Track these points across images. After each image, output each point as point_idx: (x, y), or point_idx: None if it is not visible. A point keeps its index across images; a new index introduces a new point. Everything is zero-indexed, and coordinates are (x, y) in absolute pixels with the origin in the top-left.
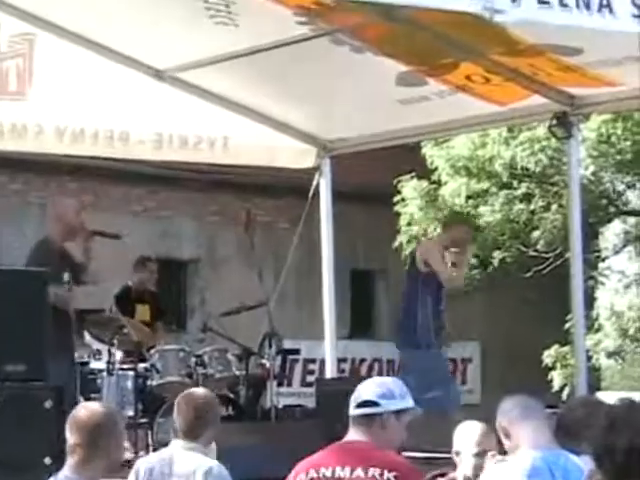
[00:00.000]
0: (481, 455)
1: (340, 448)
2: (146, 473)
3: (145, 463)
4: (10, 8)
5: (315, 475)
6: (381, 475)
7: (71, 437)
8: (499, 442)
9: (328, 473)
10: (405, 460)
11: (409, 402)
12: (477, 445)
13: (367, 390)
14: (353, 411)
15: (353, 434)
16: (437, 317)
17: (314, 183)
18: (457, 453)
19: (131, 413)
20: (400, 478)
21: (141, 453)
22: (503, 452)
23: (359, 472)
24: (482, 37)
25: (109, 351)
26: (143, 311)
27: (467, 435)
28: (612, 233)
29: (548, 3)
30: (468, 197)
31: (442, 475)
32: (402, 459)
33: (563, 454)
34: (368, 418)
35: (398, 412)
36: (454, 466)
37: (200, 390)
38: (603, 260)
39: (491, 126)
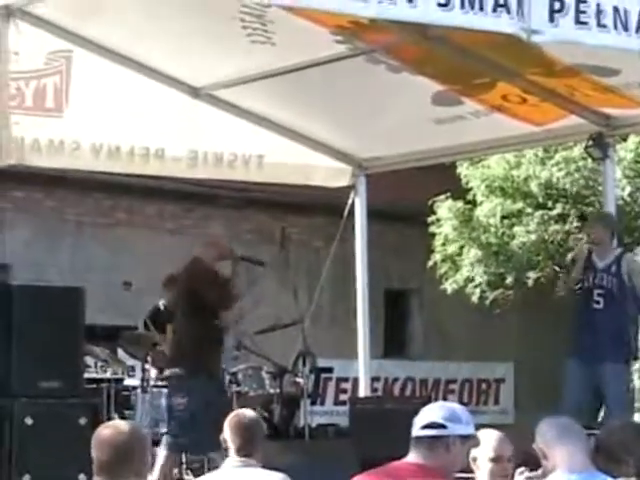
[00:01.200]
0: (497, 460)
1: (395, 467)
2: None
3: None
4: (48, 25)
5: None
6: None
7: (99, 455)
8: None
9: None
10: None
11: (472, 429)
12: (494, 451)
13: (434, 412)
14: (418, 432)
15: (414, 455)
16: None
17: (349, 202)
18: (474, 459)
19: (165, 430)
20: None
21: (174, 471)
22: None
23: None
24: (518, 57)
25: (143, 368)
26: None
27: (484, 441)
28: None
29: (586, 24)
30: (503, 217)
31: None
32: None
33: (600, 477)
34: (433, 440)
35: (464, 437)
36: None
37: (247, 410)
38: None
39: (527, 146)
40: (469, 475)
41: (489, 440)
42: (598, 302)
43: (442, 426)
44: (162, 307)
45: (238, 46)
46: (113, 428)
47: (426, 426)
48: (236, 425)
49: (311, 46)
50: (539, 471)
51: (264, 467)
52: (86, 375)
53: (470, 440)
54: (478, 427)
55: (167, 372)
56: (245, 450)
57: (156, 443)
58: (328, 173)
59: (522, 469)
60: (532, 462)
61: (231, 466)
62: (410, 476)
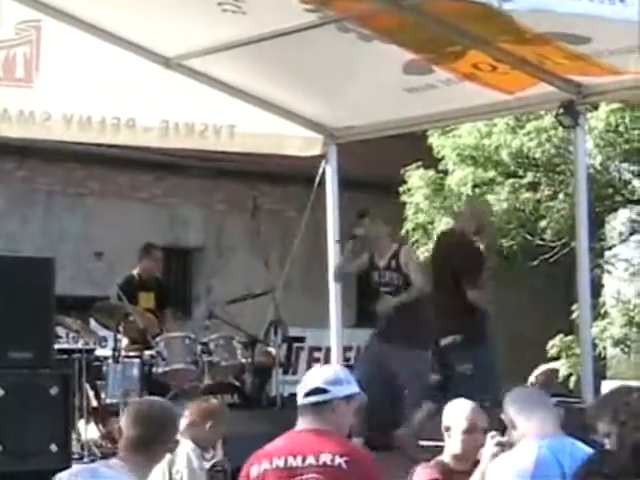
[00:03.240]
0: (471, 431)
1: (291, 437)
2: None
3: None
4: None
5: (268, 466)
6: (332, 460)
7: (134, 429)
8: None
9: (281, 463)
10: (355, 445)
11: (356, 387)
12: (467, 420)
13: (314, 378)
14: (302, 400)
15: (304, 423)
16: None
17: (320, 171)
18: (447, 428)
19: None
20: (350, 463)
21: None
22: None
23: (311, 460)
24: (489, 26)
25: (115, 338)
26: (147, 299)
27: (457, 411)
28: (619, 222)
29: None
30: (474, 186)
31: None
32: (352, 444)
33: (569, 441)
34: (318, 405)
35: (347, 397)
36: None
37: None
38: (610, 249)
39: (498, 115)
40: (440, 443)
41: (462, 410)
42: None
43: (324, 390)
44: (136, 276)
45: (209, 15)
46: (154, 404)
47: (309, 393)
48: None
49: (282, 15)
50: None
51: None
52: (57, 346)
53: (354, 399)
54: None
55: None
56: None
57: None
58: (299, 142)
59: (493, 433)
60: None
61: None
62: (308, 441)
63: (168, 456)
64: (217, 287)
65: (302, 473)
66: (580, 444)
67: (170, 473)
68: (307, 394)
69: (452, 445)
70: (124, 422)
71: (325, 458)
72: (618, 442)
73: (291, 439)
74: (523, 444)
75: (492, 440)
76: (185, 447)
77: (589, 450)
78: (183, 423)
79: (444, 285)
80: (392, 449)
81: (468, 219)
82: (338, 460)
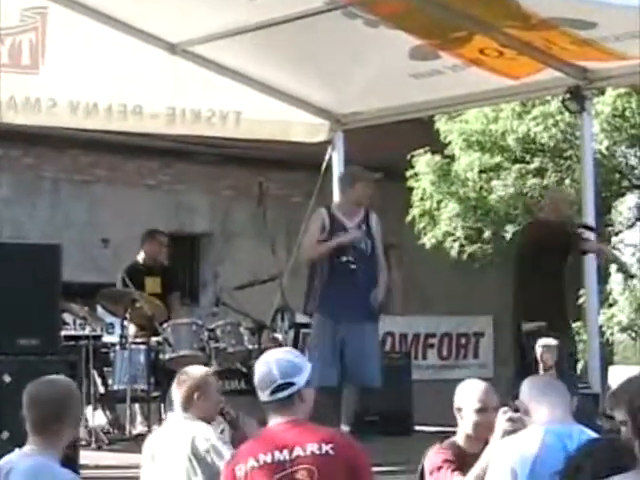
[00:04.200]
0: (483, 411)
1: (271, 433)
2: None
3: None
4: None
5: (256, 464)
6: (319, 449)
7: (31, 410)
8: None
9: (268, 459)
10: (336, 430)
11: (308, 365)
12: (479, 401)
13: (277, 373)
14: (269, 397)
15: (277, 417)
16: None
17: (327, 157)
18: (459, 409)
19: (144, 387)
20: (337, 448)
21: (154, 426)
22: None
23: (298, 451)
24: (496, 11)
25: (122, 325)
26: (153, 284)
27: (469, 391)
28: (625, 207)
29: None
30: (481, 171)
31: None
32: (333, 430)
33: (577, 428)
34: (287, 399)
35: (308, 382)
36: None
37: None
38: (616, 234)
39: (504, 100)
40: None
41: (474, 391)
42: (350, 261)
43: (290, 384)
44: (141, 262)
45: (215, 1)
46: (49, 384)
47: (275, 390)
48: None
49: (288, 1)
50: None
51: None
52: (64, 332)
53: (310, 381)
54: (457, 381)
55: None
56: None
57: (134, 399)
58: (306, 129)
59: (505, 409)
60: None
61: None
62: (289, 434)
63: (188, 446)
64: (224, 273)
65: (292, 466)
66: (589, 431)
67: (196, 458)
68: (273, 391)
69: (464, 426)
70: (24, 405)
71: (312, 447)
72: (633, 430)
73: (272, 434)
74: (530, 429)
75: (504, 416)
76: (193, 430)
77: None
78: (177, 405)
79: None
80: None
81: (551, 210)
82: (325, 447)
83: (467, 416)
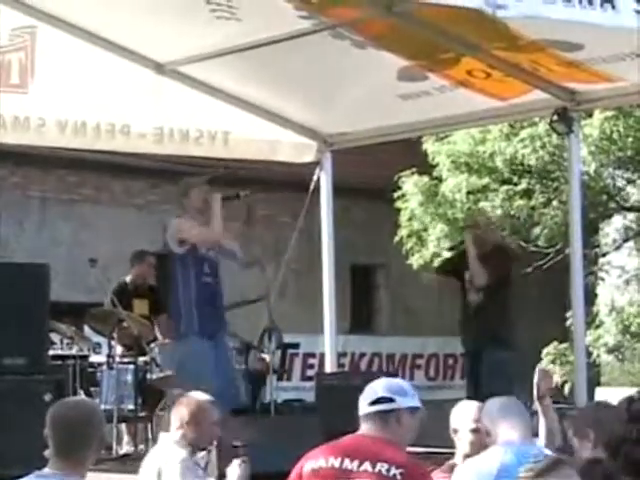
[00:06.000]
0: (479, 431)
1: (352, 441)
2: None
3: None
4: (11, 0)
5: (324, 464)
6: (388, 471)
7: (57, 433)
8: None
9: (336, 464)
10: (413, 458)
11: (418, 401)
12: (474, 421)
13: (381, 387)
14: (368, 408)
15: (367, 429)
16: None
17: (314, 177)
18: (455, 431)
19: (131, 407)
20: (406, 475)
21: (140, 446)
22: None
23: (367, 466)
24: (483, 32)
25: (109, 345)
26: (141, 306)
27: (464, 412)
28: (612, 229)
29: None
30: (469, 193)
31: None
32: (411, 457)
33: (536, 448)
34: (384, 414)
35: (412, 409)
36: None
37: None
38: (603, 255)
39: (492, 122)
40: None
41: (469, 411)
42: (208, 275)
43: (390, 400)
44: (129, 283)
45: (202, 22)
46: (72, 405)
47: (375, 402)
48: None
49: (276, 22)
50: None
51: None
52: (51, 352)
53: (418, 412)
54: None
55: None
56: None
57: (121, 419)
58: (294, 149)
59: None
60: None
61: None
62: (367, 448)
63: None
64: None
65: (355, 477)
66: (548, 451)
67: None
68: (373, 402)
69: (462, 446)
70: (47, 426)
71: (381, 467)
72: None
73: (351, 442)
74: (490, 449)
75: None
76: (166, 455)
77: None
78: (173, 427)
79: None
80: None
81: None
82: (394, 471)
83: (464, 437)
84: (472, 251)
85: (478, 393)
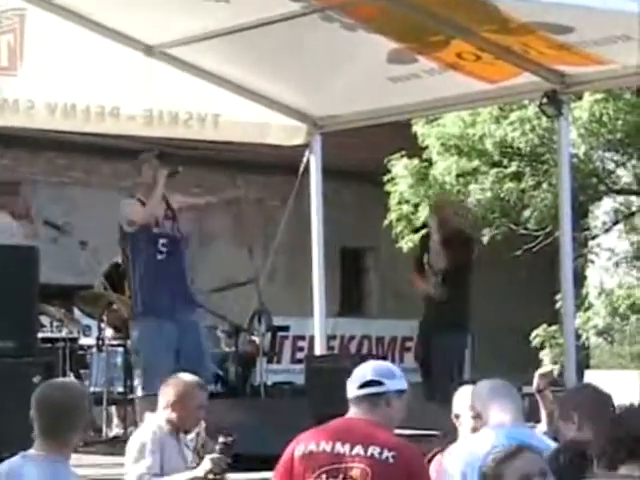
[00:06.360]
0: (480, 416)
1: (342, 424)
2: None
3: None
4: None
5: (315, 448)
6: (380, 454)
7: (42, 414)
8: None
9: (328, 448)
10: (405, 441)
11: (406, 383)
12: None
13: (369, 370)
14: (357, 391)
15: (357, 413)
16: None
17: (304, 160)
18: (457, 416)
19: (121, 389)
20: (398, 458)
21: (130, 428)
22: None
23: (359, 449)
24: (473, 15)
25: (99, 327)
26: None
27: (466, 397)
28: (602, 211)
29: None
30: (458, 175)
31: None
32: (402, 440)
33: (528, 430)
34: (373, 397)
35: (400, 392)
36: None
37: None
38: (593, 238)
39: (482, 104)
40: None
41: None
42: (164, 252)
43: (380, 383)
44: (121, 265)
45: (192, 4)
46: (59, 387)
47: (364, 385)
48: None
49: (265, 4)
50: None
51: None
52: (41, 334)
53: (405, 394)
54: None
55: None
56: None
57: (111, 402)
58: (283, 131)
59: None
60: None
61: None
62: (359, 431)
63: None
64: (200, 276)
65: (348, 461)
66: (540, 434)
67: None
68: (362, 385)
69: (464, 431)
70: (32, 408)
71: (373, 450)
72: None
73: (342, 426)
74: (481, 432)
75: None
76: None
77: (548, 440)
78: (160, 408)
79: None
80: None
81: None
82: (386, 454)
83: (465, 422)
84: (435, 235)
85: (427, 379)
